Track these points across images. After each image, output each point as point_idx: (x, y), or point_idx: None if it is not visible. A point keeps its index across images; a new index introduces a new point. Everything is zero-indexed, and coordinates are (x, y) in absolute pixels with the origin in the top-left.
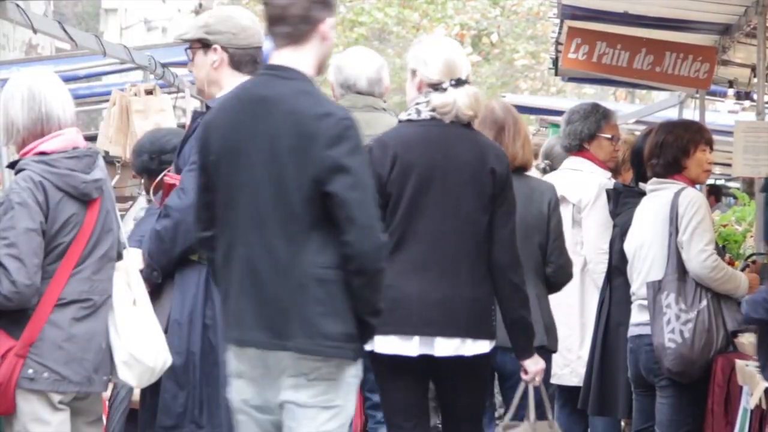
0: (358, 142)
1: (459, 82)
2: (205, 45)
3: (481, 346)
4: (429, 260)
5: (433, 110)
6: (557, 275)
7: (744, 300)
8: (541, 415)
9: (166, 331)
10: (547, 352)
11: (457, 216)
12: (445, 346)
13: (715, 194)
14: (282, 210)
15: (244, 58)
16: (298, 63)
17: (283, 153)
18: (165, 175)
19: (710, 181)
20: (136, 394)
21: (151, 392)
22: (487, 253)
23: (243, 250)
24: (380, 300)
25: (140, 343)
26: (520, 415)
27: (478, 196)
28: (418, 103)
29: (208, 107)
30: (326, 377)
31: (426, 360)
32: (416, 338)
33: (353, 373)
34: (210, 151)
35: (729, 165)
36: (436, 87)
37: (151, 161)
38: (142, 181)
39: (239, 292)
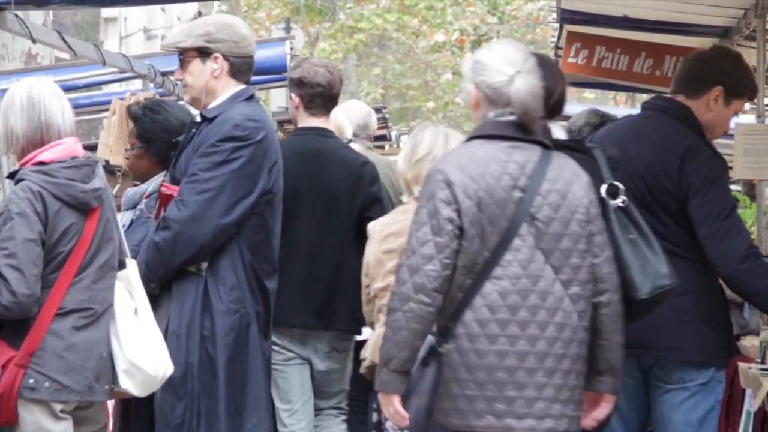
0: None
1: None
2: (203, 53)
3: None
4: None
5: None
6: None
7: None
8: None
9: None
10: None
11: None
12: None
13: None
14: None
15: (243, 67)
16: None
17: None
18: (161, 186)
19: None
20: None
21: (144, 402)
22: None
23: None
24: None
25: (142, 352)
26: None
27: None
28: None
29: (203, 117)
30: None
31: None
32: None
33: None
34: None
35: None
36: None
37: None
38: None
39: (297, 288)
